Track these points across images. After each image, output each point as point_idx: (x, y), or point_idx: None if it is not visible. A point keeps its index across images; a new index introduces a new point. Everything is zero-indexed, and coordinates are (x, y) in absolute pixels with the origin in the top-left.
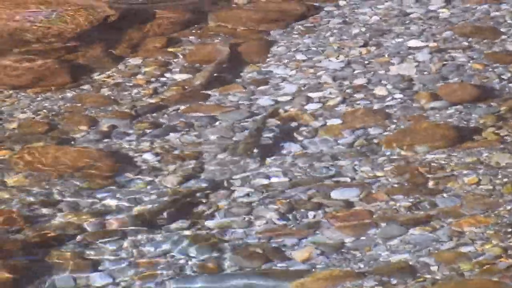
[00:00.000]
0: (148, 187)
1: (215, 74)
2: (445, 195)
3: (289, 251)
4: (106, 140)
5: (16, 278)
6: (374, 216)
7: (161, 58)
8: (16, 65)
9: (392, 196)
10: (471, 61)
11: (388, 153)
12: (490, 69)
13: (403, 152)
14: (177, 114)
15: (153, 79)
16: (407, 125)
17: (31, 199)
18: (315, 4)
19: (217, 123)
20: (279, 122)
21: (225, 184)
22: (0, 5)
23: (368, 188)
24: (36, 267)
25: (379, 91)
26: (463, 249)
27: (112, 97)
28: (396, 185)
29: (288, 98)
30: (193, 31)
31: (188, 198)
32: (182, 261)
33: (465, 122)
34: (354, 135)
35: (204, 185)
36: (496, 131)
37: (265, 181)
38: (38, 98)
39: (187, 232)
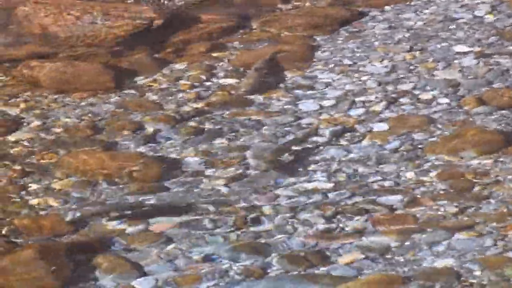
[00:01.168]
0: (195, 190)
1: (260, 79)
2: (491, 200)
3: (334, 256)
4: (150, 144)
5: (62, 283)
6: (419, 221)
7: (206, 63)
8: (61, 69)
9: (437, 202)
10: None
11: (433, 159)
12: None
13: (448, 158)
14: (222, 119)
15: (197, 84)
16: (453, 131)
17: (76, 203)
18: (360, 9)
19: (261, 128)
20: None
21: (269, 188)
22: (45, 9)
23: (413, 193)
24: (81, 270)
25: (424, 96)
26: (509, 254)
27: (157, 102)
28: (441, 191)
29: (333, 102)
30: (238, 36)
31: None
32: (226, 266)
33: (511, 127)
34: (399, 140)
35: (248, 189)
36: None
37: (310, 186)
38: (83, 103)
39: (231, 237)
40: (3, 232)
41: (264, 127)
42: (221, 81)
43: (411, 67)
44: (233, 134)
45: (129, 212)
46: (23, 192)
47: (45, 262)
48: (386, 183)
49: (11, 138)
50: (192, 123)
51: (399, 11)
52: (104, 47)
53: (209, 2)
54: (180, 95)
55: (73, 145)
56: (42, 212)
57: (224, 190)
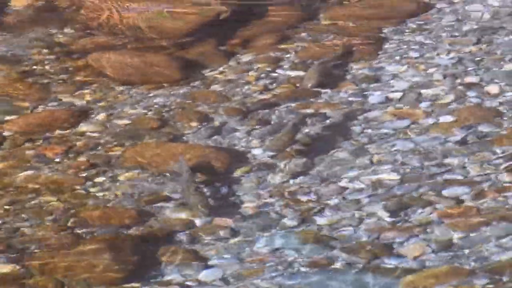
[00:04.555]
0: (259, 184)
1: (325, 72)
2: None
3: (399, 248)
4: (217, 136)
5: (128, 275)
6: (485, 214)
7: (273, 55)
8: (128, 61)
9: (503, 194)
10: None
11: (499, 151)
12: None
13: None
14: (288, 111)
15: (264, 76)
16: None
17: (143, 195)
18: (427, 1)
19: (327, 120)
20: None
21: (335, 180)
22: (112, 1)
23: (479, 186)
24: (146, 262)
25: (491, 88)
26: None
27: (224, 94)
28: (507, 184)
29: (400, 95)
30: (305, 27)
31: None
32: (291, 258)
33: None
34: (466, 133)
35: (314, 181)
36: None
37: (375, 178)
38: (150, 94)
39: (296, 229)
40: (69, 224)
41: (330, 119)
42: (288, 73)
43: (478, 59)
44: (299, 126)
45: (195, 204)
46: (89, 184)
47: (111, 254)
48: (452, 176)
49: (78, 129)
50: (258, 115)
51: (467, 3)
52: (172, 39)
53: None
54: (247, 87)
55: (139, 137)
56: (108, 204)
57: (290, 182)
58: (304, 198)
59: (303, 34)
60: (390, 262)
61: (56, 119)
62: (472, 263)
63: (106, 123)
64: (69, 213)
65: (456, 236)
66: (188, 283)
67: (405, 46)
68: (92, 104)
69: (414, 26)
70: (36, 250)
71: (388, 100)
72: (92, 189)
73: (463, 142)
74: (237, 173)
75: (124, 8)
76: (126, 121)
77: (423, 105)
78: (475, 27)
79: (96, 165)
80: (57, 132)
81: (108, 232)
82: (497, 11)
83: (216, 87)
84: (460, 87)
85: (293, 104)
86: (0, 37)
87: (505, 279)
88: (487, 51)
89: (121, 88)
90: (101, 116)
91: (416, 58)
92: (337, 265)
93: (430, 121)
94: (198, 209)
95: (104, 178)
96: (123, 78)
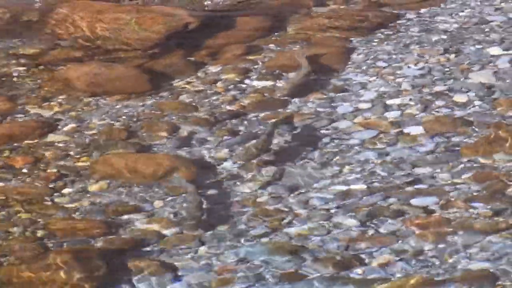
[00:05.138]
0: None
1: (298, 83)
2: None
3: (368, 258)
4: (185, 147)
5: (96, 286)
6: (453, 223)
7: (241, 65)
8: (96, 72)
9: (471, 204)
10: None
11: (467, 161)
12: None
13: (483, 160)
14: (257, 121)
15: (232, 86)
16: (487, 133)
17: (110, 206)
18: (395, 11)
19: (296, 130)
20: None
21: (304, 190)
22: (81, 13)
23: (447, 196)
24: (115, 273)
25: (459, 98)
26: None
27: (192, 104)
28: (475, 193)
29: (368, 105)
30: (273, 38)
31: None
32: (261, 268)
33: None
34: (434, 143)
35: (283, 191)
36: None
37: (344, 188)
38: (118, 105)
39: (266, 239)
40: (38, 235)
41: (298, 129)
42: (256, 83)
43: (446, 69)
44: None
45: (163, 214)
46: (58, 195)
47: (80, 266)
48: (421, 186)
49: (46, 140)
50: (227, 125)
51: (434, 14)
52: (140, 50)
53: (244, 4)
54: (215, 97)
55: (107, 147)
56: (76, 215)
57: (258, 192)
58: (273, 208)
59: (271, 45)
60: (359, 272)
61: (24, 130)
62: (441, 273)
63: (74, 134)
64: (37, 225)
65: (425, 245)
66: None
67: (373, 56)
68: (60, 115)
69: (382, 36)
70: (4, 262)
71: (356, 110)
72: (60, 200)
73: (431, 152)
74: (206, 183)
75: (92, 20)
76: (94, 132)
77: (391, 115)
78: (443, 37)
79: (64, 176)
80: (25, 143)
81: (77, 243)
82: (464, 21)
83: (184, 98)
84: (428, 97)
85: (261, 114)
86: None
87: None
88: (455, 61)
89: (89, 99)
90: (69, 127)
91: (384, 68)
92: (307, 275)
93: (398, 131)
94: (192, 224)
95: (72, 189)
96: (91, 90)
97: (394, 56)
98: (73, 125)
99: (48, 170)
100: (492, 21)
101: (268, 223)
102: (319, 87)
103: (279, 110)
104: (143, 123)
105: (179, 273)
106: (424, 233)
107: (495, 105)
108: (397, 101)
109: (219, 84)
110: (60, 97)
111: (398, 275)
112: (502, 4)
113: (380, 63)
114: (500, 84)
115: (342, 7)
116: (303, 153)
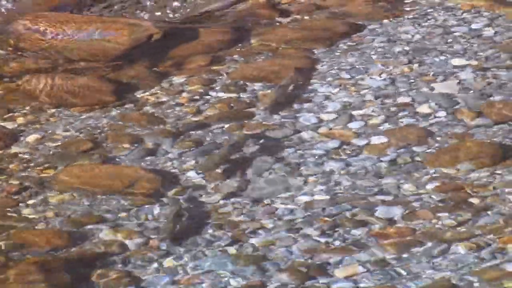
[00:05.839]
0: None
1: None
2: (489, 212)
3: (333, 269)
4: (149, 158)
5: None
6: (417, 234)
7: (205, 76)
8: (60, 83)
9: (435, 214)
10: None
11: (431, 171)
12: None
13: (446, 170)
14: (221, 132)
15: (197, 97)
16: (451, 143)
17: (74, 217)
18: (358, 22)
19: (260, 141)
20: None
21: (269, 201)
22: (44, 23)
23: (411, 206)
24: (79, 284)
25: (423, 109)
26: (507, 267)
27: (156, 115)
28: (439, 203)
29: (332, 116)
30: (237, 49)
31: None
32: (225, 279)
33: (508, 140)
34: (398, 153)
35: (247, 202)
36: None
37: (309, 199)
38: (82, 117)
39: (230, 250)
40: (2, 248)
41: (263, 140)
42: (220, 94)
43: (410, 80)
44: (232, 147)
45: (128, 226)
46: (22, 206)
47: (43, 277)
48: (385, 196)
49: (9, 151)
50: (191, 137)
51: (398, 25)
52: (103, 61)
53: (208, 15)
54: (179, 108)
55: (71, 158)
56: (40, 226)
57: (222, 203)
58: (237, 219)
59: (235, 56)
60: (324, 283)
61: None
62: (406, 283)
63: (38, 145)
64: (1, 236)
65: (389, 256)
66: None
67: (337, 67)
68: (24, 126)
69: (346, 47)
70: None
71: (320, 121)
72: (24, 211)
73: (395, 162)
74: (170, 194)
75: (55, 30)
76: (58, 143)
77: (355, 125)
78: (407, 48)
79: (28, 187)
80: None
81: (40, 254)
82: (428, 32)
83: (148, 109)
84: (392, 108)
85: (226, 125)
86: None
87: None
88: (419, 71)
89: (52, 110)
90: (33, 138)
91: (348, 79)
92: (272, 286)
93: (362, 141)
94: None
95: (36, 200)
96: (55, 101)
97: (357, 67)
98: (37, 136)
99: (11, 182)
100: (455, 32)
101: (232, 234)
102: (284, 98)
103: (245, 121)
104: (107, 134)
105: (143, 285)
106: (388, 243)
107: (458, 115)
108: (360, 112)
109: (183, 95)
110: (24, 108)
111: (363, 285)
112: (464, 14)
113: (344, 74)
114: (463, 95)
115: (306, 18)
116: (267, 163)
